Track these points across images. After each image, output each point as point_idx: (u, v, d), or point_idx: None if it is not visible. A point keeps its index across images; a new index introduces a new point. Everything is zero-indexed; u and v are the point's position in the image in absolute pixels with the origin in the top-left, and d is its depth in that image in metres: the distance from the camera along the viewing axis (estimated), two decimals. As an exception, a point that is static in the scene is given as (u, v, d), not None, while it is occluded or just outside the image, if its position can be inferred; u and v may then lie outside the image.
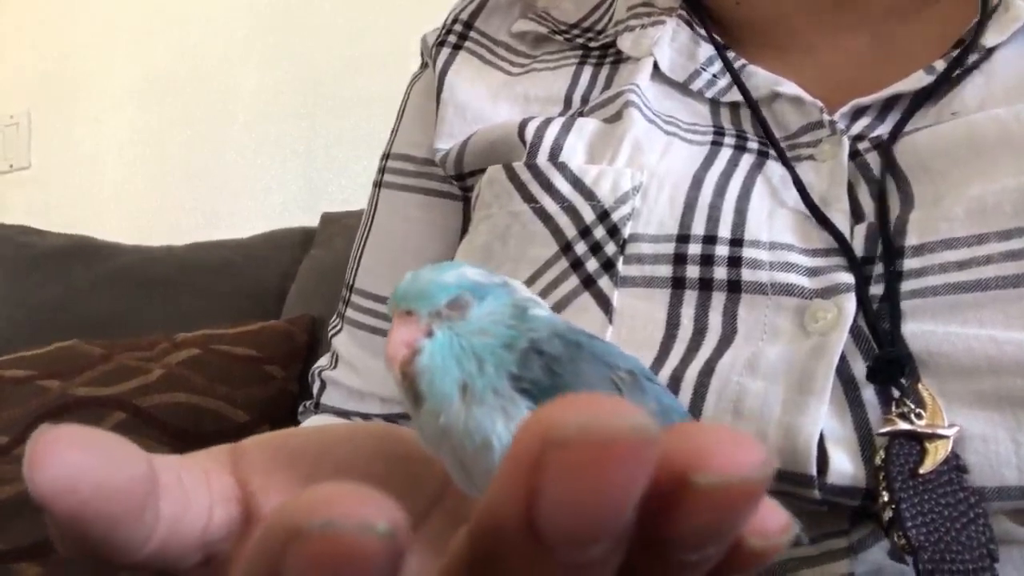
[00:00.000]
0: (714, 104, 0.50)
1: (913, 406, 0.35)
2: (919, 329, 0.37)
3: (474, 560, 0.17)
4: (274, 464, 0.25)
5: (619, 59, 0.53)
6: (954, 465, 0.34)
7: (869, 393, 0.37)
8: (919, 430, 0.35)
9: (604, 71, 0.53)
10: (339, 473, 0.25)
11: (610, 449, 0.15)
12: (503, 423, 0.22)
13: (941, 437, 0.35)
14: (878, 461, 0.35)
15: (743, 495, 0.16)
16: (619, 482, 0.15)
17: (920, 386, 0.36)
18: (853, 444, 0.36)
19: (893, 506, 0.34)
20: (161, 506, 0.21)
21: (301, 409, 0.58)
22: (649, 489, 0.15)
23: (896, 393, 0.36)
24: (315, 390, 0.57)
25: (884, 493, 0.34)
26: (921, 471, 0.34)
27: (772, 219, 0.42)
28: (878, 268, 0.39)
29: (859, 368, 0.37)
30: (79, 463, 0.19)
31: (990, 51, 0.44)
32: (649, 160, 0.45)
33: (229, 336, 1.10)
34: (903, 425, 0.35)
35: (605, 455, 0.15)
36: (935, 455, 0.34)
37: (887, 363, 0.36)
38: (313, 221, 1.31)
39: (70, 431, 0.19)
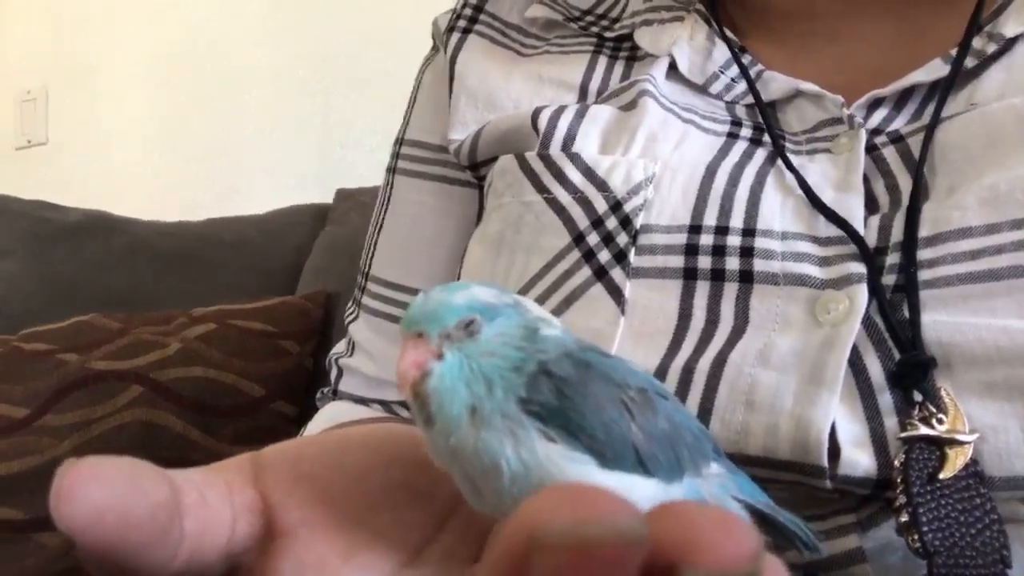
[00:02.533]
0: (731, 103, 0.50)
1: (935, 410, 0.35)
2: (931, 319, 0.37)
3: None
4: (294, 475, 0.25)
5: (635, 55, 0.52)
6: (972, 471, 0.34)
7: (882, 385, 0.36)
8: (940, 436, 0.34)
9: (620, 65, 0.52)
10: (357, 481, 0.26)
11: (596, 554, 0.14)
12: (511, 446, 0.23)
13: (961, 443, 0.34)
14: (897, 464, 0.35)
15: None
16: None
17: (943, 392, 0.35)
18: (865, 435, 0.36)
19: (910, 510, 0.34)
20: (185, 525, 0.22)
21: (319, 395, 0.58)
22: None
23: (918, 397, 0.36)
24: (332, 377, 0.57)
25: (901, 496, 0.34)
26: (940, 476, 0.34)
27: (784, 209, 0.42)
28: (890, 259, 0.39)
29: (871, 359, 0.37)
30: (104, 496, 0.20)
31: (1011, 41, 0.43)
32: (663, 150, 0.45)
33: (245, 311, 1.11)
34: (924, 430, 0.35)
35: (591, 560, 0.14)
36: (955, 461, 0.34)
37: (911, 367, 0.36)
38: (328, 197, 1.32)
39: (94, 464, 0.20)
